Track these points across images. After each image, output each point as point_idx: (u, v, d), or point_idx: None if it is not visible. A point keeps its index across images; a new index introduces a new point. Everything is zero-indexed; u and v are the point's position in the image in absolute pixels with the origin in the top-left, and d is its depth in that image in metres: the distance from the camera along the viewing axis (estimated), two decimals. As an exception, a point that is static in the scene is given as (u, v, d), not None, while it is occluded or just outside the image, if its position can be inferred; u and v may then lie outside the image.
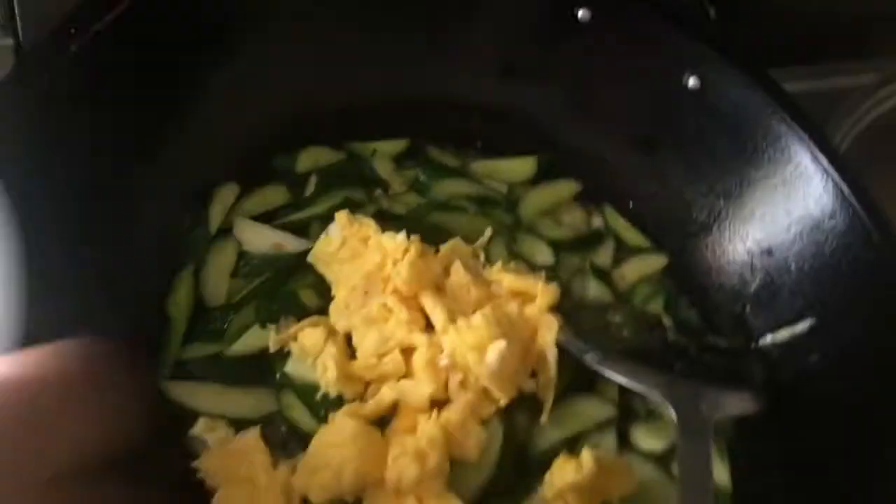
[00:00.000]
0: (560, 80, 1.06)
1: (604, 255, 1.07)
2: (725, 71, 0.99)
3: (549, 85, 1.07)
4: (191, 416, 0.84)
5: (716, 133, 1.02)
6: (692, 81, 1.00)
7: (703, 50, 1.00)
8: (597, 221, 1.10)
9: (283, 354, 0.87)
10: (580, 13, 1.01)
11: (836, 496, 0.84)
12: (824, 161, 0.93)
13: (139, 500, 0.72)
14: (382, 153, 1.05)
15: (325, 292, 0.91)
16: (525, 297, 0.93)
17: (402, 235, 0.88)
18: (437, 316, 0.86)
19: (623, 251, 1.08)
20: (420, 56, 1.01)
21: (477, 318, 0.83)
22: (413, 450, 0.77)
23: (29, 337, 0.68)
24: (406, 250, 0.87)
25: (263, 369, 0.88)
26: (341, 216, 0.91)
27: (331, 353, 0.83)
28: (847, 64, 1.35)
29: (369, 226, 0.91)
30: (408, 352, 0.86)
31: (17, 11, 1.07)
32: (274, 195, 0.99)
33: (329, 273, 0.90)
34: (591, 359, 0.85)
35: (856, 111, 1.23)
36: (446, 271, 0.91)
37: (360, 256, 0.89)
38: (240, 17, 0.90)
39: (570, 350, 0.86)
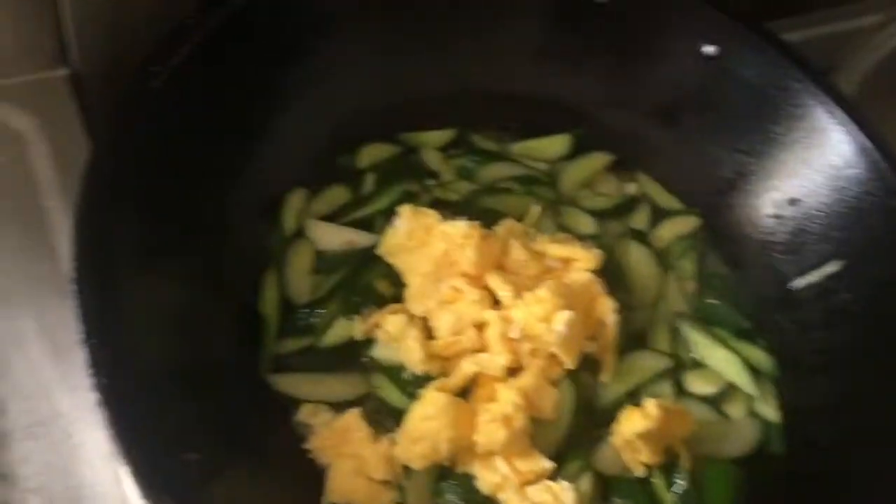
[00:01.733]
0: (586, 62, 1.13)
1: (641, 219, 1.15)
2: (736, 35, 1.07)
3: (575, 67, 1.14)
4: (293, 404, 0.93)
5: (734, 95, 1.10)
6: (709, 49, 1.08)
7: (716, 17, 1.07)
8: (631, 188, 1.18)
9: (368, 341, 0.96)
10: (596, -6, 1.08)
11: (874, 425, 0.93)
12: (841, 114, 1.02)
13: (262, 481, 0.82)
14: (431, 144, 1.13)
15: (396, 280, 1.00)
16: (572, 263, 1.02)
17: (463, 223, 0.96)
18: (504, 292, 0.94)
19: (658, 214, 1.16)
20: (459, 51, 1.09)
21: (542, 292, 0.92)
22: (500, 415, 0.87)
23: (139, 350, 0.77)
24: (469, 235, 0.96)
25: (352, 356, 0.97)
26: (405, 210, 0.99)
27: (413, 336, 0.92)
28: (847, 7, 1.42)
29: (431, 216, 0.99)
30: (480, 327, 0.95)
31: (72, 40, 1.13)
32: (337, 195, 1.07)
33: (399, 263, 0.99)
34: None
35: (860, 54, 1.29)
36: (504, 250, 0.99)
37: (427, 245, 0.97)
38: (303, 31, 0.99)
39: None
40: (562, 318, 0.91)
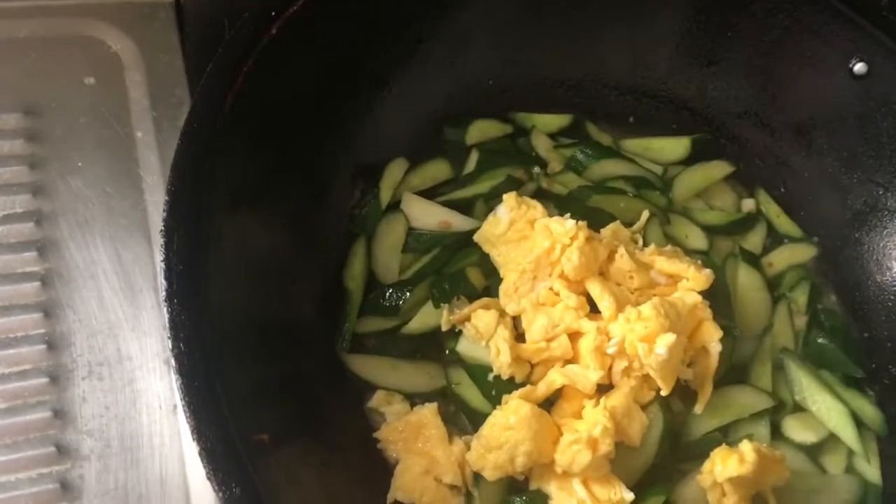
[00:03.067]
0: (723, 63, 1.05)
1: (754, 240, 1.07)
2: (892, 57, 0.96)
3: (711, 66, 1.06)
4: (368, 388, 0.88)
5: (879, 120, 1.00)
6: (859, 67, 0.98)
7: (873, 34, 0.97)
8: (747, 205, 1.09)
9: (453, 332, 0.90)
10: (748, -9, 0.99)
11: None
12: None
13: (326, 463, 0.78)
14: (544, 127, 1.06)
15: (489, 271, 0.94)
16: (680, 281, 0.94)
17: (570, 221, 0.89)
18: (605, 303, 0.88)
19: (773, 237, 1.08)
20: (594, 36, 1.01)
21: (647, 310, 0.85)
22: (586, 437, 0.81)
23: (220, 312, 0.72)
24: (574, 236, 0.89)
25: (433, 346, 0.91)
26: (510, 198, 0.92)
27: (503, 336, 0.86)
28: None
29: (536, 208, 0.92)
30: (573, 336, 0.88)
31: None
32: (437, 169, 1.01)
33: (495, 253, 0.93)
34: None
35: None
36: (609, 256, 0.92)
37: (528, 239, 0.91)
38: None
39: None
40: (665, 342, 0.84)
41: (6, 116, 1.00)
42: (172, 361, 0.65)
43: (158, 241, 0.94)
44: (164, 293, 0.66)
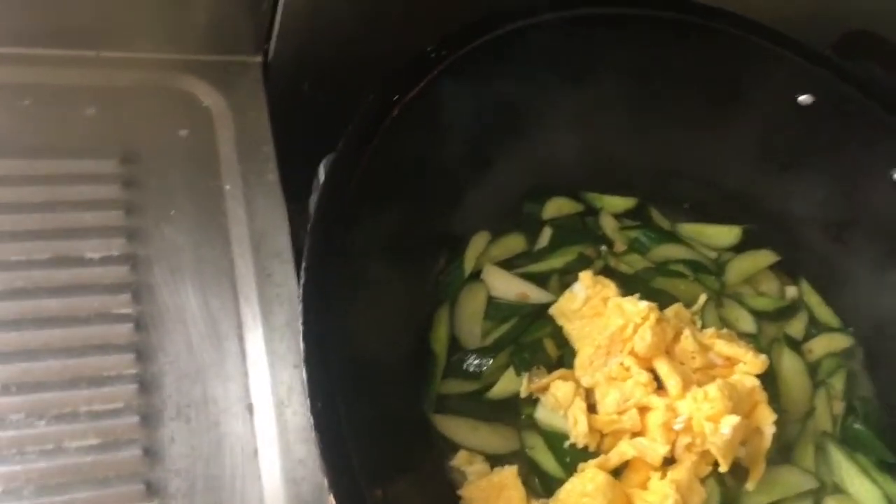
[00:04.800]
0: (776, 161, 1.14)
1: (797, 327, 1.14)
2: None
3: (765, 163, 1.14)
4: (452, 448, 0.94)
5: (914, 226, 1.08)
6: (898, 175, 1.07)
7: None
8: (790, 292, 1.17)
9: (529, 399, 0.97)
10: (801, 98, 1.08)
11: None
12: None
13: None
14: (609, 209, 1.14)
15: (561, 343, 1.00)
16: (737, 364, 1.02)
17: (643, 303, 0.96)
18: (673, 381, 0.95)
19: (813, 325, 1.16)
20: (667, 134, 1.10)
21: (713, 391, 0.92)
22: (655, 508, 0.87)
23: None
24: (646, 316, 0.96)
25: (511, 411, 0.97)
26: (586, 276, 0.99)
27: (580, 406, 0.93)
28: None
29: (609, 287, 0.99)
30: (641, 410, 0.95)
31: (275, 33, 1.16)
32: (514, 242, 1.08)
33: (570, 327, 0.99)
34: None
35: None
36: (675, 337, 0.99)
37: (601, 316, 0.98)
38: (532, 80, 1.00)
39: None
40: (729, 422, 0.91)
41: (105, 162, 1.04)
42: (311, 419, 0.70)
43: (243, 290, 1.01)
44: (302, 355, 0.72)
